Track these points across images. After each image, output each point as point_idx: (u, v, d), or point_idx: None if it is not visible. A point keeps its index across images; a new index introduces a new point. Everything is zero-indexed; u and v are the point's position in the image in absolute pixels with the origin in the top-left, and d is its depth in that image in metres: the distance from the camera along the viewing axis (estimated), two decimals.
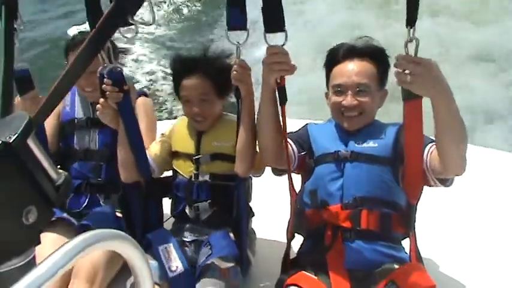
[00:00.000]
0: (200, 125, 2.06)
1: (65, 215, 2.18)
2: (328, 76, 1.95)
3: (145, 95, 2.39)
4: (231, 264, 1.92)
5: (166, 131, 2.20)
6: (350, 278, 1.75)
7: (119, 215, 2.19)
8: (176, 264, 1.91)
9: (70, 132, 2.30)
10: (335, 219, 1.80)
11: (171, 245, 1.96)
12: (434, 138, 1.66)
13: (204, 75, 1.99)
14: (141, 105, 2.28)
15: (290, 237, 1.96)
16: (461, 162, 1.64)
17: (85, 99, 2.32)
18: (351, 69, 1.85)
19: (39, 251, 1.62)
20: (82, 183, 2.25)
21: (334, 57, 1.93)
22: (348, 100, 1.83)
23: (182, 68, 2.05)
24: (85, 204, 2.24)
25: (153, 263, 1.90)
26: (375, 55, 1.89)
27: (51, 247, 1.55)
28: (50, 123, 2.29)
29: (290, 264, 1.93)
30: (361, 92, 1.84)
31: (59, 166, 2.20)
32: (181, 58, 2.11)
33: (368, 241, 1.79)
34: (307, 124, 2.06)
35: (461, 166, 1.65)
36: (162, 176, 2.17)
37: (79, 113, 2.31)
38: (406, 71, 1.49)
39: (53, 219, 2.11)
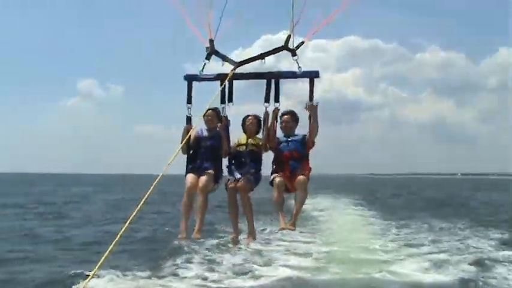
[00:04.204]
0: (250, 135, 8.17)
1: (196, 166, 7.76)
2: (281, 120, 8.10)
3: None
4: (252, 176, 7.90)
5: (235, 139, 8.21)
6: (290, 173, 7.83)
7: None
8: (239, 175, 7.92)
9: (201, 139, 7.91)
10: (286, 156, 7.94)
11: (237, 172, 7.96)
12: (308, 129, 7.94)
13: (255, 119, 8.21)
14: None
15: (272, 167, 8.21)
16: (317, 133, 7.71)
17: (206, 129, 8.08)
18: (287, 117, 8.15)
19: (187, 182, 7.81)
20: (203, 156, 7.76)
21: (282, 114, 8.10)
22: (287, 126, 8.18)
23: (249, 116, 8.30)
24: (204, 164, 7.72)
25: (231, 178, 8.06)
26: (293, 113, 8.28)
27: (192, 179, 7.59)
28: (193, 136, 7.70)
29: (274, 172, 8.07)
30: (289, 123, 8.19)
31: (191, 151, 8.01)
32: (251, 114, 8.35)
33: (296, 162, 7.91)
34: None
35: (317, 134, 7.72)
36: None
37: (204, 133, 8.03)
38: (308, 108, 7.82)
39: (197, 167, 7.75)
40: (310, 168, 7.67)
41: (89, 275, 5.97)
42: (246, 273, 11.06)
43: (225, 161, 8.03)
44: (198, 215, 7.30)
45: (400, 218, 25.67)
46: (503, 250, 14.46)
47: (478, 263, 12.54)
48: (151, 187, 5.86)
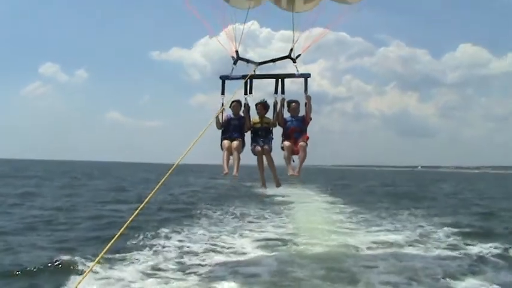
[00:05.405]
0: (261, 115, 11.50)
1: (228, 136, 11.23)
2: (288, 107, 11.37)
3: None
4: (268, 145, 11.25)
5: (252, 119, 11.45)
6: (294, 140, 10.99)
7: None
8: (262, 143, 11.19)
9: (230, 120, 11.46)
10: (292, 130, 11.21)
11: (260, 141, 11.31)
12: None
13: (262, 105, 11.46)
14: None
15: (282, 138, 11.24)
16: (311, 112, 11.29)
17: (233, 113, 11.54)
18: (294, 104, 11.33)
19: (225, 145, 11.28)
20: (235, 128, 11.39)
21: (289, 102, 11.38)
22: (294, 110, 11.38)
23: (259, 102, 11.53)
24: (234, 135, 11.27)
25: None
26: (297, 101, 11.39)
27: (227, 142, 11.14)
28: (224, 119, 11.36)
29: (283, 141, 11.10)
30: (296, 108, 11.39)
31: (223, 128, 11.34)
32: (260, 101, 11.59)
33: (298, 133, 11.14)
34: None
35: (311, 112, 11.27)
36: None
37: (231, 116, 11.54)
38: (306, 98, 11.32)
39: (229, 136, 11.21)
40: (308, 137, 11.03)
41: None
42: (237, 234, 16.28)
43: (246, 135, 11.51)
44: (235, 164, 10.89)
45: (361, 205, 29.04)
46: (442, 228, 18.66)
47: (423, 235, 16.82)
48: (166, 175, 7.26)
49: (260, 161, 11.24)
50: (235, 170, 10.87)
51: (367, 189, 52.46)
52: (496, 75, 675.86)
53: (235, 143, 11.02)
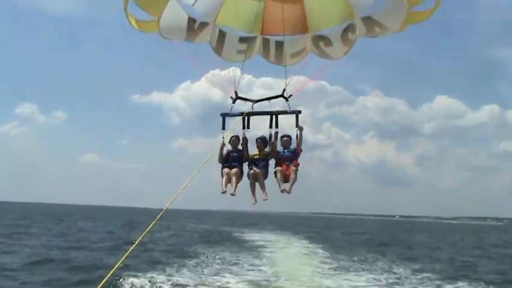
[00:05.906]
0: (260, 149, 12.26)
1: (228, 164, 12.11)
2: (282, 140, 12.18)
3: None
4: (263, 169, 12.00)
5: (251, 152, 12.27)
6: (286, 167, 11.76)
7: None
8: (256, 168, 11.98)
9: (230, 152, 12.31)
10: (283, 159, 12.02)
11: (256, 167, 12.03)
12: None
13: (262, 140, 12.30)
14: None
15: (275, 166, 12.02)
16: (302, 143, 12.32)
17: (232, 147, 12.43)
18: (286, 138, 12.16)
19: (225, 171, 12.33)
20: (235, 159, 12.26)
21: (281, 136, 12.16)
22: (286, 144, 12.14)
23: (259, 137, 12.39)
24: (233, 164, 12.10)
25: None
26: (289, 136, 12.19)
27: (227, 169, 12.16)
28: (225, 152, 12.28)
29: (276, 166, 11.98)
30: (287, 141, 12.16)
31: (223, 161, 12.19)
32: (260, 136, 12.47)
33: (289, 161, 11.90)
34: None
35: (302, 143, 12.37)
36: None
37: (231, 149, 12.36)
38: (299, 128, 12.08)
39: (228, 165, 12.08)
40: (298, 163, 12.24)
41: None
42: (220, 275, 17.04)
43: (245, 166, 12.53)
44: (233, 185, 12.11)
45: (340, 251, 30.09)
46: (417, 273, 19.86)
47: (399, 280, 18.07)
48: (156, 218, 7.99)
49: (253, 183, 12.45)
50: (232, 189, 12.13)
51: (346, 236, 53.24)
52: (471, 127, 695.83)
53: (234, 170, 12.35)
